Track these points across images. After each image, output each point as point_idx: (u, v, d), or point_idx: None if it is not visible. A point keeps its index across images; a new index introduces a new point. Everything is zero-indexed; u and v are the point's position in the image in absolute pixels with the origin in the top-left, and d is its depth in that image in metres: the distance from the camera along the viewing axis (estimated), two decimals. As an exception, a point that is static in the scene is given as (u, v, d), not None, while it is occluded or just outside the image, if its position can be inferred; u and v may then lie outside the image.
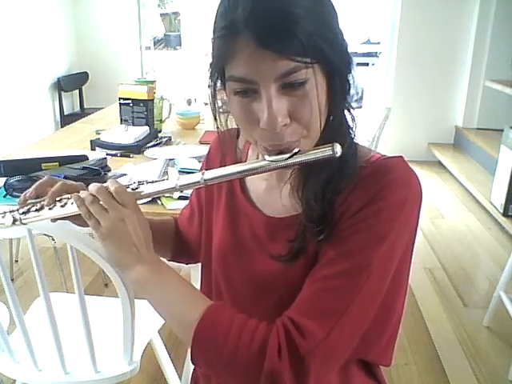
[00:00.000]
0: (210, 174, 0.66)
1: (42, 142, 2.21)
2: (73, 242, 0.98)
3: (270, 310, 0.66)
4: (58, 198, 0.73)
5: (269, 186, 0.76)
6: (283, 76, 0.58)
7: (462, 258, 2.81)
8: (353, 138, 0.68)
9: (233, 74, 0.60)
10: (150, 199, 1.39)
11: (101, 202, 0.67)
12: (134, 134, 1.98)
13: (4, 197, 1.39)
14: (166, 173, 1.63)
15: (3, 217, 0.74)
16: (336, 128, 0.65)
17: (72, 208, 0.70)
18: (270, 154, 0.63)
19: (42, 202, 0.73)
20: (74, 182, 0.78)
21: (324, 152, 0.60)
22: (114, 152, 1.89)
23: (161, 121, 2.28)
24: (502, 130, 3.05)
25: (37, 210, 0.73)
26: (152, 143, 2.01)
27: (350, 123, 0.68)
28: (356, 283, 0.62)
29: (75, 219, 0.75)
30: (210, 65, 0.63)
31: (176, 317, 0.67)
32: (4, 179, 1.42)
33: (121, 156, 1.86)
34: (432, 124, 4.63)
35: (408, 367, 1.90)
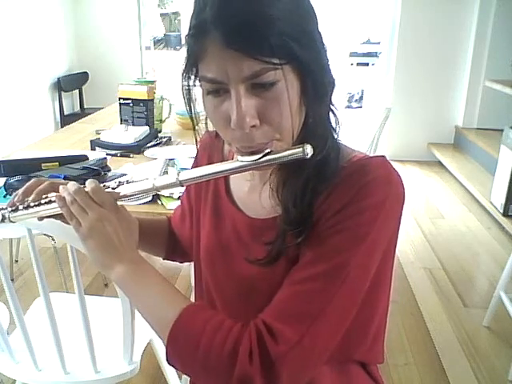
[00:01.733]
0: (185, 175, 0.67)
1: (42, 142, 2.21)
2: (73, 242, 0.98)
3: (257, 310, 0.65)
4: (43, 196, 0.74)
5: (252, 187, 0.76)
6: (250, 77, 0.57)
7: (462, 258, 2.81)
8: (335, 139, 0.67)
9: (204, 74, 0.60)
10: (150, 199, 1.39)
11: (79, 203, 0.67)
12: (134, 134, 1.98)
13: (4, 197, 1.39)
14: (166, 173, 1.63)
15: None
16: (312, 130, 0.64)
17: (57, 207, 0.71)
18: (242, 155, 0.63)
19: (28, 200, 0.75)
20: (62, 181, 0.78)
21: (294, 153, 0.60)
22: (114, 152, 1.89)
23: (161, 121, 2.28)
24: (502, 130, 3.05)
25: (24, 208, 0.74)
26: (152, 143, 2.01)
27: (334, 124, 0.67)
28: (332, 286, 0.61)
29: (62, 217, 0.75)
30: (184, 64, 0.63)
31: (154, 316, 0.66)
32: (4, 179, 1.42)
33: (121, 156, 1.86)
34: (432, 124, 4.63)
35: (408, 367, 1.90)
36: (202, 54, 0.58)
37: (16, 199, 0.76)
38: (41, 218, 0.76)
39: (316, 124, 0.64)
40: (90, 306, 1.09)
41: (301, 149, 0.59)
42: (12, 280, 2.30)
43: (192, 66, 0.62)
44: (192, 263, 0.90)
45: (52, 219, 0.76)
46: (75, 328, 1.15)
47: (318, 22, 0.63)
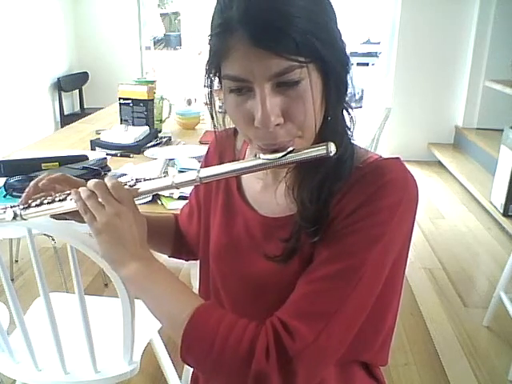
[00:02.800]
0: (206, 172, 0.66)
1: (42, 142, 2.21)
2: (73, 242, 0.98)
3: (266, 309, 0.65)
4: (57, 194, 0.73)
5: (264, 186, 0.76)
6: (277, 75, 0.57)
7: (462, 258, 2.81)
8: (350, 139, 0.68)
9: (228, 72, 0.60)
10: (150, 199, 1.40)
11: (98, 198, 0.67)
12: (134, 134, 1.98)
13: (4, 197, 1.39)
14: (166, 173, 1.63)
15: (4, 212, 0.75)
16: (332, 128, 0.64)
17: (71, 204, 0.70)
18: (264, 153, 0.63)
19: (42, 198, 0.74)
20: (75, 178, 0.78)
21: (318, 151, 0.60)
22: (114, 152, 1.89)
23: (161, 121, 2.28)
24: (502, 130, 3.05)
25: (37, 206, 0.73)
26: (152, 143, 2.01)
27: (348, 124, 0.68)
28: (348, 285, 0.61)
29: (75, 216, 0.75)
30: (207, 63, 0.63)
31: (167, 314, 0.66)
32: (4, 179, 1.42)
33: (121, 156, 1.86)
34: (432, 124, 4.63)
35: (408, 367, 1.90)
36: (226, 52, 0.59)
37: (27, 193, 0.75)
38: (53, 216, 0.75)
39: (335, 122, 0.65)
40: (90, 305, 1.09)
41: (325, 147, 0.59)
42: (12, 280, 2.30)
43: (215, 64, 0.62)
44: (194, 262, 0.90)
45: (62, 220, 0.75)
46: (75, 328, 1.15)
47: (337, 20, 0.63)
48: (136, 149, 1.91)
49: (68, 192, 0.72)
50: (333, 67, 0.61)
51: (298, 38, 0.55)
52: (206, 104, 0.69)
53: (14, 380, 1.24)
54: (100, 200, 0.67)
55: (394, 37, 4.46)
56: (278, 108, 0.59)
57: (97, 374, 1.16)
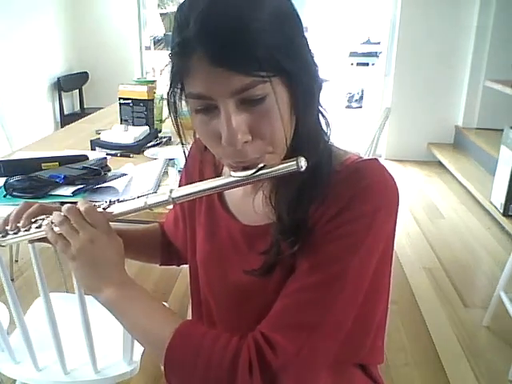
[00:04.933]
0: (178, 192, 0.66)
1: (42, 142, 2.21)
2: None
3: (252, 319, 0.65)
4: (33, 220, 0.74)
5: (245, 194, 0.75)
6: (239, 91, 0.56)
7: (462, 258, 2.81)
8: (326, 143, 0.66)
9: (190, 90, 0.58)
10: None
11: (72, 223, 0.66)
12: (134, 133, 1.98)
13: (4, 197, 1.39)
14: (166, 173, 1.63)
15: None
16: (304, 139, 0.62)
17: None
18: (235, 170, 0.62)
19: (18, 225, 0.75)
20: (51, 205, 0.78)
21: (289, 167, 0.59)
22: (113, 152, 1.88)
23: (161, 121, 2.28)
24: (502, 130, 3.05)
25: (14, 233, 0.75)
26: (152, 143, 2.01)
27: (324, 127, 0.66)
28: (329, 296, 0.60)
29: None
30: (170, 81, 0.61)
31: (148, 336, 0.66)
32: (4, 179, 1.42)
33: (121, 156, 1.86)
34: (432, 124, 4.63)
35: (408, 367, 1.90)
36: (187, 71, 0.57)
37: (8, 226, 0.76)
38: (31, 241, 0.77)
39: (307, 131, 0.63)
40: (90, 306, 1.09)
41: (294, 162, 0.59)
42: (12, 280, 2.30)
43: (177, 82, 0.60)
44: (184, 265, 0.90)
45: (42, 242, 0.76)
46: (75, 328, 1.15)
47: (302, 28, 0.61)
48: (136, 149, 1.91)
49: (43, 217, 0.73)
50: (299, 79, 0.59)
51: (258, 53, 0.54)
52: (173, 123, 0.69)
53: (14, 380, 1.24)
54: (73, 225, 0.66)
55: (394, 37, 4.46)
56: (244, 125, 0.58)
57: (97, 374, 1.16)
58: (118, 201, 0.71)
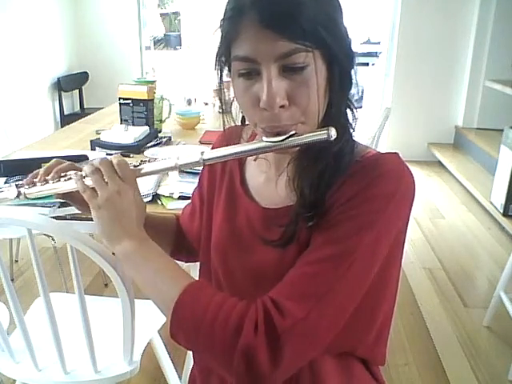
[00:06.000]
0: (209, 154, 0.68)
1: (42, 142, 2.21)
2: (73, 242, 0.98)
3: None
4: (62, 174, 0.75)
5: (267, 178, 0.77)
6: (283, 56, 0.60)
7: (462, 258, 2.81)
8: (351, 135, 0.70)
9: (237, 53, 0.62)
10: (150, 199, 1.40)
11: (102, 175, 0.69)
12: (134, 133, 1.98)
13: (4, 197, 1.39)
14: (165, 173, 1.63)
15: (8, 189, 0.76)
16: (334, 118, 0.66)
17: (74, 184, 0.72)
18: (267, 136, 0.65)
19: (47, 178, 0.75)
20: (82, 165, 0.79)
21: (320, 135, 0.62)
22: (113, 152, 1.88)
23: (161, 121, 2.28)
24: (502, 130, 3.05)
25: (41, 185, 0.75)
26: (152, 143, 2.01)
27: (351, 120, 0.70)
28: (339, 269, 0.62)
29: (76, 201, 0.78)
30: (218, 47, 0.66)
31: (158, 292, 0.67)
32: (4, 179, 1.42)
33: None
34: (432, 124, 4.63)
35: (408, 367, 1.90)
36: (236, 34, 0.61)
37: (36, 178, 0.77)
38: (57, 196, 0.77)
39: (338, 113, 0.67)
40: (90, 305, 1.09)
41: (325, 131, 0.61)
42: (12, 280, 2.30)
43: (225, 47, 0.64)
44: (192, 264, 0.90)
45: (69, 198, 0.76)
46: (75, 328, 1.15)
47: (343, 15, 0.66)
48: (136, 149, 1.91)
49: (72, 172, 0.74)
50: (338, 58, 0.63)
51: (305, 24, 0.58)
52: (215, 90, 0.72)
53: (14, 380, 1.24)
54: (104, 176, 0.69)
55: (394, 37, 4.46)
56: (283, 90, 0.61)
57: (97, 374, 1.16)
58: (149, 161, 0.72)
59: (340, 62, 0.64)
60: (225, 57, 0.66)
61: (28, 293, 2.01)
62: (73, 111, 4.80)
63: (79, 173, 0.72)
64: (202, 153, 0.68)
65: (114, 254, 0.72)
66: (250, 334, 0.59)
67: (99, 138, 2.01)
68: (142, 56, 4.90)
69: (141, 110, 2.14)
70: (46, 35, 4.34)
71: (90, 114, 2.96)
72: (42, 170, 0.77)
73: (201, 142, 2.08)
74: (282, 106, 0.62)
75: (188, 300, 0.63)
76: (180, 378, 1.54)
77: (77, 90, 4.78)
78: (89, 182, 0.70)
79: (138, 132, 2.00)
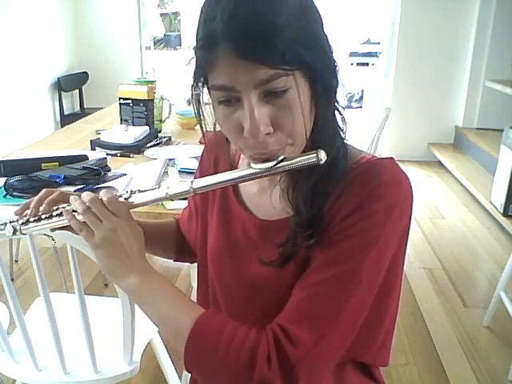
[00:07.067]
0: (199, 182, 0.67)
1: (42, 142, 2.21)
2: (73, 242, 0.98)
3: (261, 311, 0.66)
4: (54, 208, 0.74)
5: (261, 189, 0.76)
6: (263, 83, 0.57)
7: (462, 258, 2.81)
8: (343, 140, 0.68)
9: (214, 82, 0.60)
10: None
11: (94, 212, 0.67)
12: (134, 133, 1.98)
13: (4, 197, 1.39)
14: (166, 173, 1.63)
15: (3, 228, 0.76)
16: (323, 133, 0.64)
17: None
18: (255, 162, 0.63)
19: (40, 213, 0.74)
20: (71, 192, 0.78)
21: (308, 159, 0.61)
22: (113, 152, 1.89)
23: (161, 121, 2.28)
24: (502, 130, 3.05)
25: (35, 221, 0.75)
26: (152, 143, 2.01)
27: (340, 124, 0.68)
28: (346, 289, 0.62)
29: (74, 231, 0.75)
30: (193, 74, 0.63)
31: (169, 324, 0.67)
32: (4, 179, 1.42)
33: (121, 156, 1.86)
34: (432, 124, 4.63)
35: (408, 367, 1.90)
36: (211, 64, 0.59)
37: (28, 212, 0.76)
38: (53, 230, 0.76)
39: (326, 126, 0.65)
40: (90, 306, 1.09)
41: (314, 154, 0.60)
42: (12, 280, 2.30)
43: (201, 76, 0.62)
44: (191, 266, 0.90)
45: (64, 230, 0.76)
46: (75, 328, 1.15)
47: (323, 24, 0.63)
48: (136, 149, 1.91)
49: (64, 205, 0.73)
50: (320, 73, 0.60)
51: (282, 47, 0.55)
52: (195, 115, 0.70)
53: (14, 380, 1.24)
54: (96, 214, 0.67)
55: (394, 37, 4.46)
56: (266, 117, 0.59)
57: (97, 374, 1.16)
58: (139, 191, 0.72)
59: (323, 77, 0.61)
60: (202, 84, 0.63)
61: (28, 293, 2.01)
62: (73, 111, 4.80)
63: (69, 208, 0.70)
64: (192, 182, 0.67)
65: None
66: (264, 367, 0.59)
67: (99, 138, 2.01)
68: (142, 56, 4.90)
69: (141, 110, 2.14)
70: (46, 35, 4.34)
71: (89, 114, 2.96)
72: (33, 203, 0.76)
73: (201, 142, 2.08)
74: (267, 134, 0.60)
75: (199, 334, 0.63)
76: (180, 378, 1.54)
77: (77, 90, 4.78)
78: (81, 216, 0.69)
79: (138, 132, 2.00)
